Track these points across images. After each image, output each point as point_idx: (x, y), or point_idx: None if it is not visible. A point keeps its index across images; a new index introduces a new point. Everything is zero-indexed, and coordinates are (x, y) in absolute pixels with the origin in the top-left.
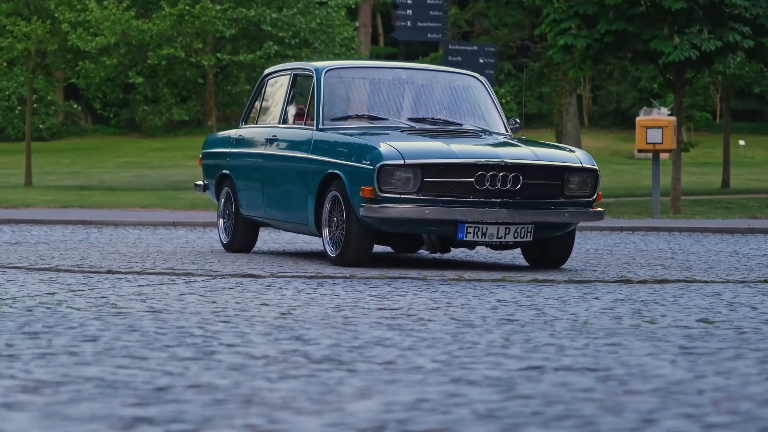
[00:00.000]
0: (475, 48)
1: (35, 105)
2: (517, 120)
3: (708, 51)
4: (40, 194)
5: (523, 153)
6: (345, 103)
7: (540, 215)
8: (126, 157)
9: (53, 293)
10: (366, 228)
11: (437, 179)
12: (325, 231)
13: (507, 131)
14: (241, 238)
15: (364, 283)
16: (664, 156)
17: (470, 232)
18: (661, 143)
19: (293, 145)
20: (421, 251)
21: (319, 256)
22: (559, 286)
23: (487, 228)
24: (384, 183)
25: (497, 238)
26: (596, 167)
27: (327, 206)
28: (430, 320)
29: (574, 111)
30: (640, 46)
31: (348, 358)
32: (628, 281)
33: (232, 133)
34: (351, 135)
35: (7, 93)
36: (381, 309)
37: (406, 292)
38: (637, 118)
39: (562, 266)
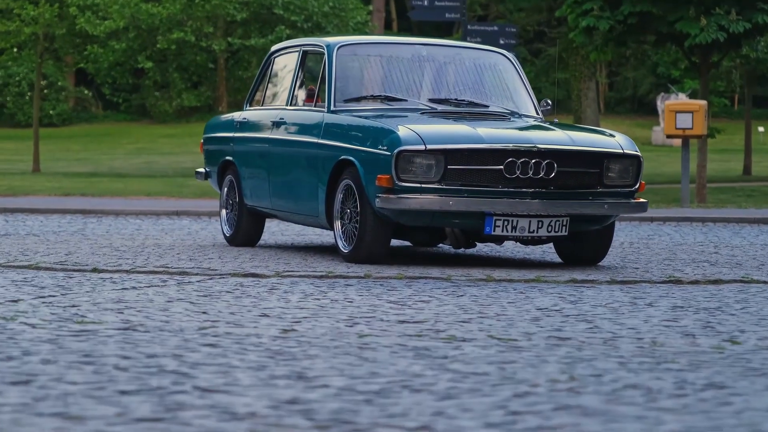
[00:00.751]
0: (495, 28)
1: (45, 91)
2: (549, 101)
3: (736, 33)
4: (47, 181)
5: (558, 137)
6: (359, 83)
7: (576, 207)
8: (137, 144)
9: (17, 300)
10: (382, 221)
11: (462, 167)
12: (337, 224)
13: (538, 113)
14: (245, 231)
15: (381, 285)
16: (677, 142)
17: (499, 226)
18: (692, 128)
19: (302, 128)
20: (441, 245)
21: (330, 250)
22: (602, 287)
23: (517, 221)
24: (403, 171)
25: (529, 232)
26: (639, 153)
27: (339, 196)
28: (464, 340)
29: (594, 96)
30: (664, 28)
31: (365, 418)
32: (678, 281)
33: (236, 116)
34: (366, 117)
35: (17, 79)
36: (403, 322)
37: (429, 296)
38: (666, 102)
39: (599, 263)
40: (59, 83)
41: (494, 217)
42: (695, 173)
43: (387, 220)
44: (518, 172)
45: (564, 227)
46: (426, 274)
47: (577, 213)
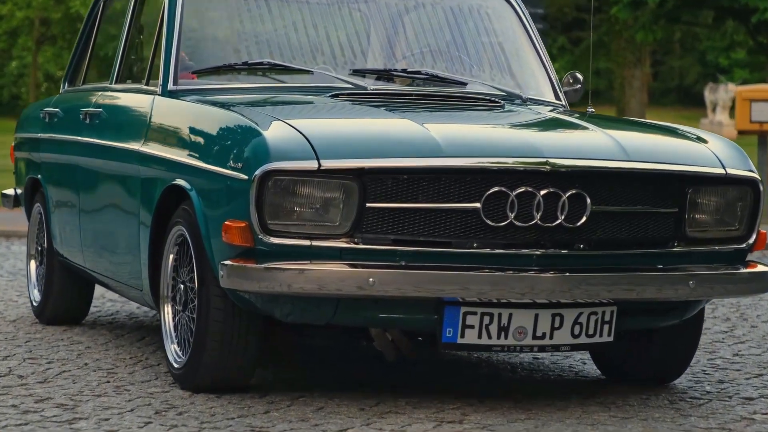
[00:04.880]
0: None
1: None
2: (578, 76)
3: None
4: None
5: (595, 144)
6: (224, 42)
7: (632, 285)
8: None
9: None
10: (238, 313)
11: (396, 205)
12: (167, 309)
13: (558, 97)
14: (58, 298)
15: None
16: (732, 134)
17: (472, 326)
18: None
19: (121, 126)
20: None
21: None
22: None
23: (510, 316)
24: (275, 213)
25: (535, 337)
26: (755, 175)
27: (170, 258)
28: None
29: (639, 85)
30: (726, 1)
31: None
32: None
33: (48, 103)
34: (221, 105)
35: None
36: None
37: None
38: (738, 88)
39: (673, 381)
40: None
41: (462, 309)
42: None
43: (249, 310)
44: (512, 216)
45: (606, 326)
46: None
47: (634, 298)
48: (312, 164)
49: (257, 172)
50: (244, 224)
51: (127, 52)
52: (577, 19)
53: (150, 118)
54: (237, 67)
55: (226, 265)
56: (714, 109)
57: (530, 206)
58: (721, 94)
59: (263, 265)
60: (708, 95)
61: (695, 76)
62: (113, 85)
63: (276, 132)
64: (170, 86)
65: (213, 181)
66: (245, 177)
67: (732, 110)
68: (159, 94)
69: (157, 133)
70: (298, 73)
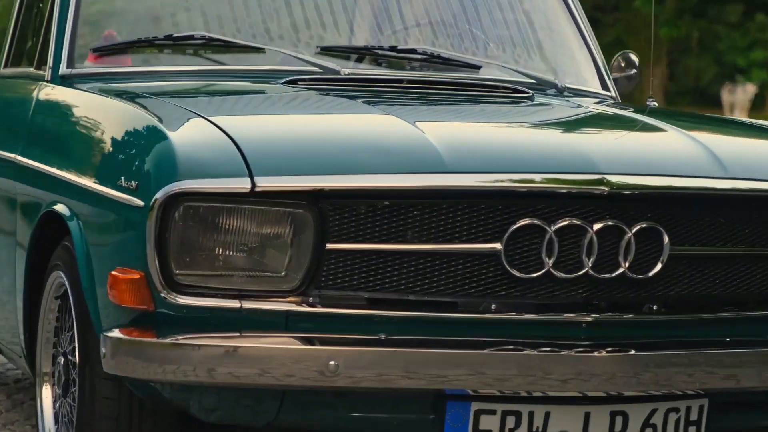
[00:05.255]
0: None
1: None
2: (632, 57)
3: None
4: None
5: (675, 153)
6: (144, 8)
7: (728, 367)
8: None
9: None
10: (141, 404)
11: (373, 246)
12: (45, 390)
13: (607, 86)
14: None
15: None
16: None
17: (489, 430)
18: None
19: (4, 123)
20: None
21: None
22: None
23: (547, 416)
24: (185, 257)
25: None
26: None
27: (49, 315)
28: None
29: (658, 84)
30: None
31: None
32: None
33: None
34: (123, 95)
35: None
36: None
37: None
38: None
39: None
40: None
41: (474, 406)
42: None
43: (155, 404)
44: (550, 263)
45: (692, 428)
46: None
47: (733, 387)
48: (243, 183)
49: (158, 195)
50: (138, 275)
51: (20, 27)
52: (592, 18)
53: (31, 114)
54: (158, 42)
55: (111, 338)
56: (732, 111)
57: (578, 248)
58: (739, 95)
59: (168, 339)
60: (726, 96)
61: (711, 77)
62: (2, 70)
63: (190, 135)
64: (62, 70)
65: (100, 206)
66: (141, 203)
67: (751, 112)
68: (47, 81)
69: (37, 135)
70: (244, 52)
